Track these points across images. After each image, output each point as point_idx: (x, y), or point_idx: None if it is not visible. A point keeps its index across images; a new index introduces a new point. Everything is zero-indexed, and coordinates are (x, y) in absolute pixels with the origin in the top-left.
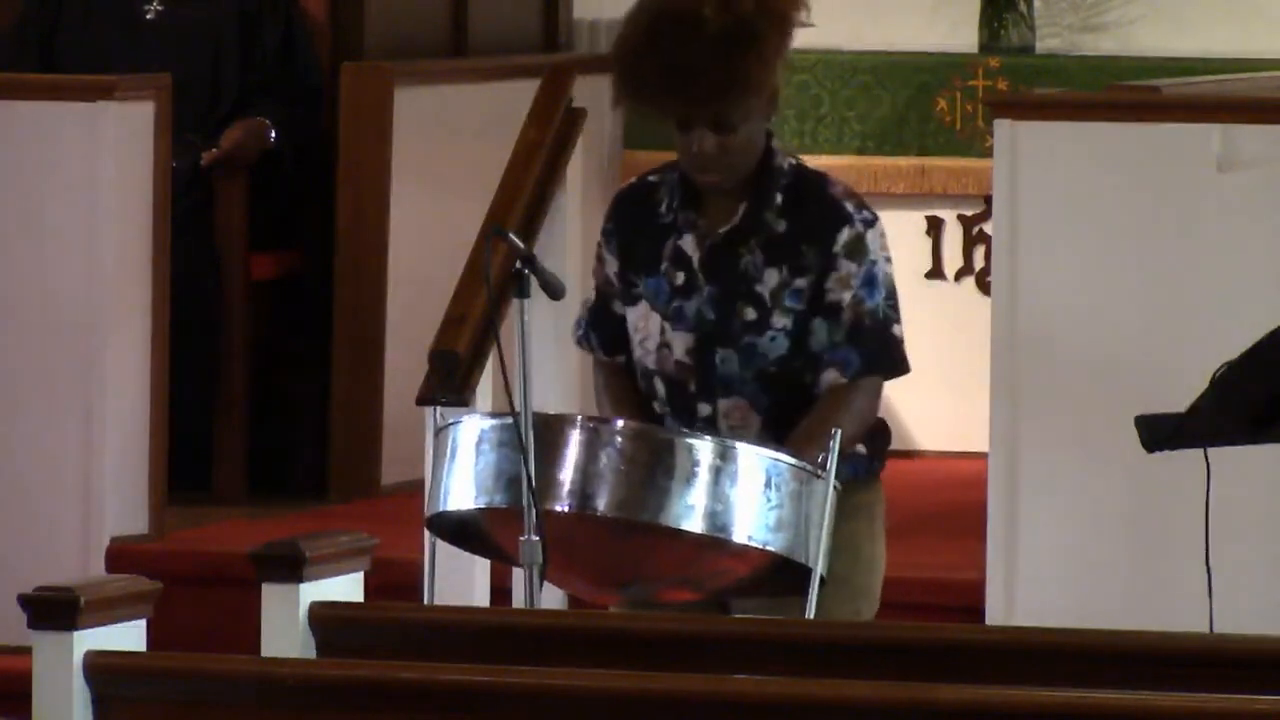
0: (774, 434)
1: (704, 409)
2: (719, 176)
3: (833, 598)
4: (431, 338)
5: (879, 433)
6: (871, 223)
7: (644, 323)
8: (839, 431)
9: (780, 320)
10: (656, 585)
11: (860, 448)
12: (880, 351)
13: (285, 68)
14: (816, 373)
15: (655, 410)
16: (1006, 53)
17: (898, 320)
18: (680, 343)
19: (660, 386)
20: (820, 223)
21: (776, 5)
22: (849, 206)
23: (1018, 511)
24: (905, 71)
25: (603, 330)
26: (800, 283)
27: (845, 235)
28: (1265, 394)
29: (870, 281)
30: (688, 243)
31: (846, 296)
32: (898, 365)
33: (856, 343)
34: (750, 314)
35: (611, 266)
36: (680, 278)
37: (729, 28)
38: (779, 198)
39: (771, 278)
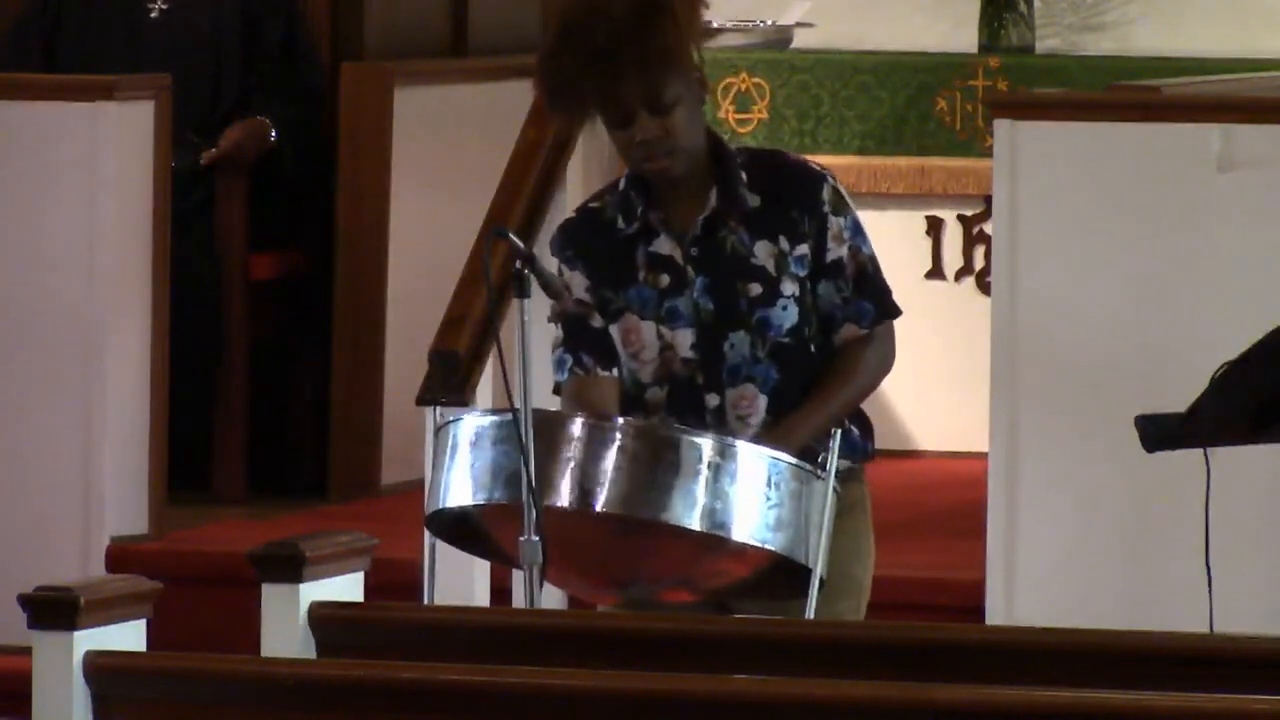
0: (778, 417)
1: (712, 400)
2: (668, 161)
3: (838, 593)
4: (431, 338)
5: (862, 417)
6: (834, 176)
7: (634, 335)
8: (839, 432)
9: (789, 288)
10: (656, 586)
11: (854, 429)
12: (883, 296)
13: (286, 68)
14: (828, 332)
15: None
16: (1006, 53)
17: (880, 267)
18: (684, 340)
19: (659, 394)
20: (800, 188)
21: None
22: (815, 166)
23: (1018, 511)
24: (905, 71)
25: (590, 347)
26: (802, 249)
27: (826, 192)
28: (1265, 394)
29: (858, 230)
30: (662, 244)
31: (845, 250)
32: (895, 308)
33: (864, 292)
34: (756, 289)
35: (580, 287)
36: (665, 279)
37: (632, 4)
38: (744, 175)
39: (764, 249)
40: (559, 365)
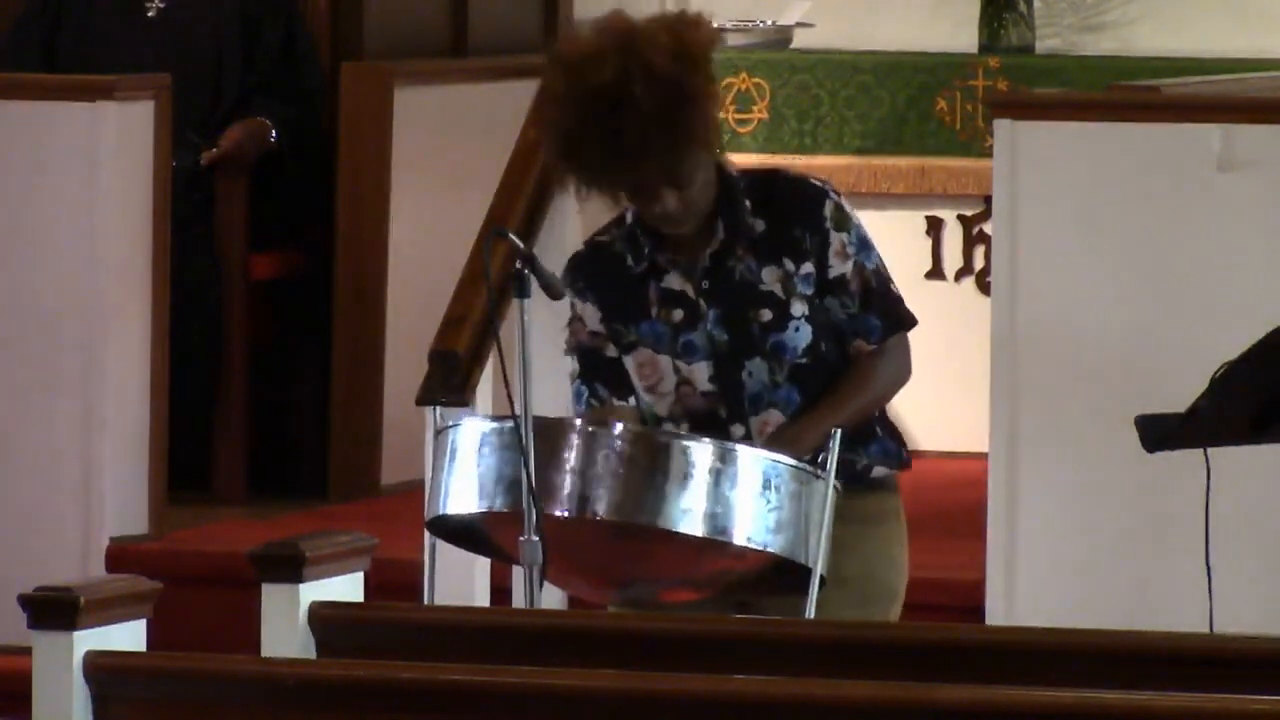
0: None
1: (737, 430)
2: (688, 225)
3: (870, 600)
4: (431, 338)
5: (893, 426)
6: (837, 191)
7: (649, 369)
8: (839, 432)
9: (799, 308)
10: (657, 586)
11: (889, 440)
12: (893, 309)
13: (286, 68)
14: (841, 348)
15: None
16: (1006, 53)
17: (891, 278)
18: (701, 373)
19: (686, 424)
20: (801, 206)
21: (692, 50)
22: (816, 182)
23: (1018, 511)
24: (905, 71)
25: (605, 378)
26: (806, 267)
27: (828, 208)
28: (1265, 394)
29: (863, 244)
30: (673, 280)
31: (849, 266)
32: (907, 319)
33: (870, 307)
34: (766, 315)
35: (593, 319)
36: (679, 314)
37: (659, 96)
38: (747, 203)
39: (771, 274)
40: (576, 397)
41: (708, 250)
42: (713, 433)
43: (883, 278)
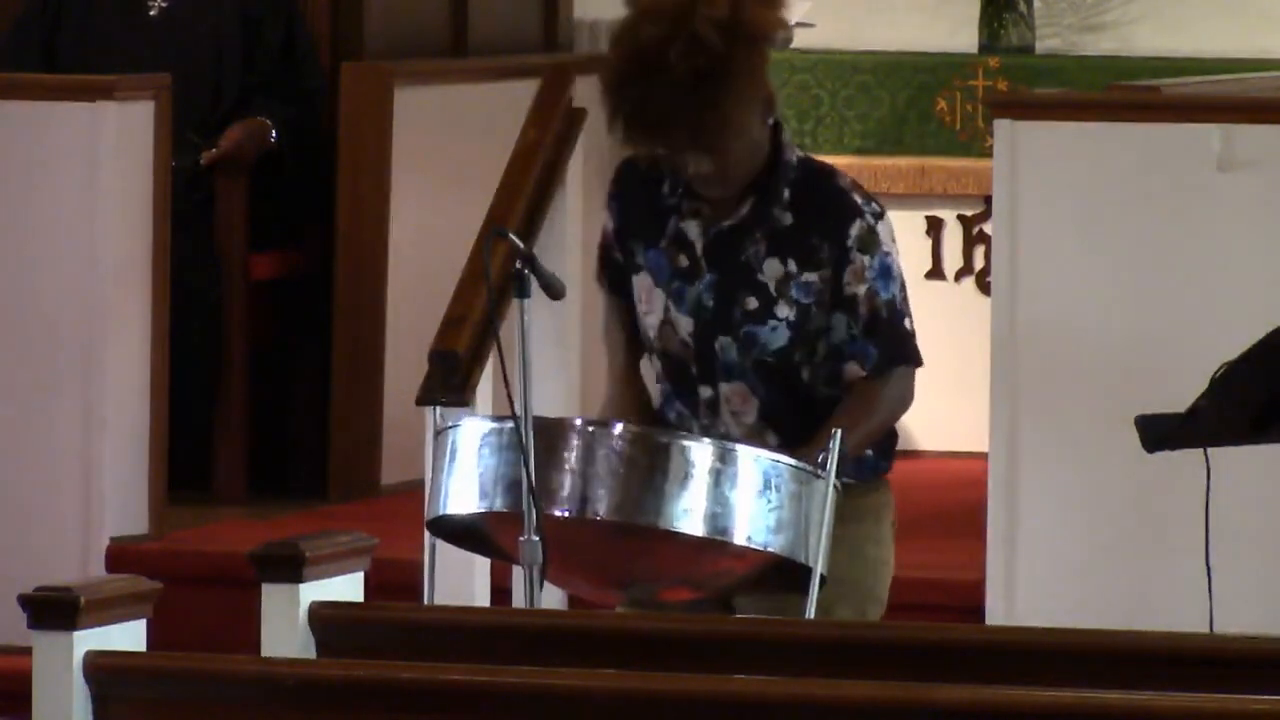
0: (771, 422)
1: (705, 391)
2: (722, 189)
3: (838, 599)
4: (431, 338)
5: (886, 434)
6: (880, 215)
7: (646, 295)
8: (839, 432)
9: (784, 310)
10: (658, 585)
11: (869, 451)
12: (898, 343)
13: (286, 68)
14: (834, 365)
15: (651, 379)
16: (1006, 53)
17: (909, 314)
18: (683, 324)
19: (660, 362)
20: (830, 216)
21: (754, 30)
22: (858, 199)
23: (1018, 511)
24: (905, 71)
25: (608, 274)
26: (810, 276)
27: (857, 228)
28: (1265, 394)
29: (885, 273)
30: (691, 228)
31: (862, 289)
32: (913, 356)
33: (873, 336)
34: (752, 303)
35: (609, 228)
36: (683, 260)
37: (697, 69)
38: (786, 193)
39: (773, 268)
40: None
41: (728, 221)
42: (683, 385)
43: (896, 311)
